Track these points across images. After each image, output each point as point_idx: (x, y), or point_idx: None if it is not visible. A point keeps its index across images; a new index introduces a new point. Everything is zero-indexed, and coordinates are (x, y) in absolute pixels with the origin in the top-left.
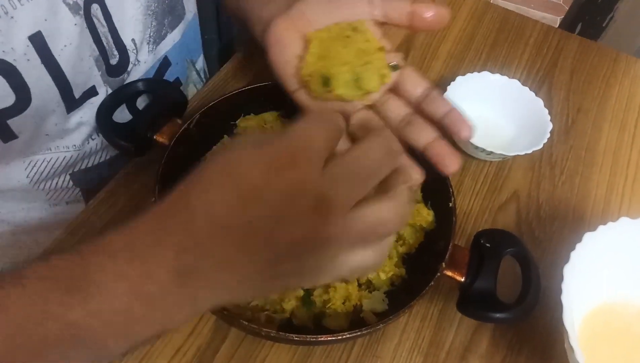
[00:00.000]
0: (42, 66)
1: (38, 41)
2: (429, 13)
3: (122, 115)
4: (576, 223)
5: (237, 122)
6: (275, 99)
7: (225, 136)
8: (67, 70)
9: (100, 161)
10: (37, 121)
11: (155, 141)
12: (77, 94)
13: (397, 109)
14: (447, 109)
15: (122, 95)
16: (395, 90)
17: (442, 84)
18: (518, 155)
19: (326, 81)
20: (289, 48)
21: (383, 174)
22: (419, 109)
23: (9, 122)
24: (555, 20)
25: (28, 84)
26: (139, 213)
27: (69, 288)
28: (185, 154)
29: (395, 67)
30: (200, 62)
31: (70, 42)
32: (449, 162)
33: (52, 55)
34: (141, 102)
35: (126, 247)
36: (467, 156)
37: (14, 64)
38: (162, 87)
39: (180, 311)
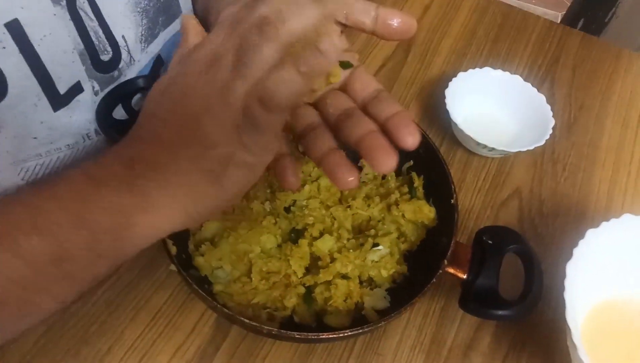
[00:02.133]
0: (20, 55)
1: (15, 29)
2: (395, 20)
3: (115, 112)
4: (578, 219)
5: None
6: None
7: None
8: (47, 61)
9: None
10: (18, 116)
11: None
12: (61, 89)
13: (339, 105)
14: (394, 111)
15: (123, 91)
16: (343, 89)
17: (443, 80)
18: (520, 151)
19: None
20: None
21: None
22: (365, 111)
23: None
24: (556, 16)
25: (4, 72)
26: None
27: (39, 183)
28: None
29: (346, 65)
30: None
31: (50, 32)
32: (383, 159)
33: (31, 45)
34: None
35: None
36: (469, 152)
37: None
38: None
39: (129, 196)
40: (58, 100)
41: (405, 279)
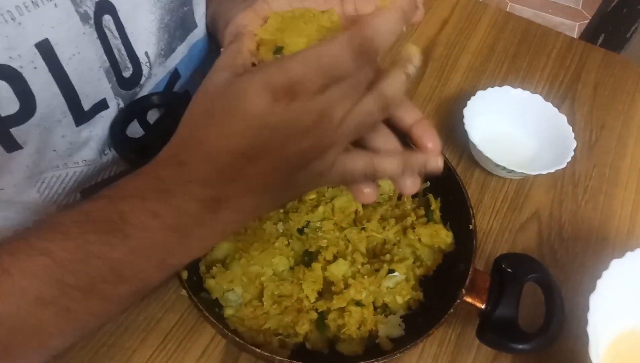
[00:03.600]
0: (49, 74)
1: (45, 49)
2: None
3: (130, 129)
4: (600, 244)
5: None
6: None
7: None
8: (75, 79)
9: (111, 175)
10: (42, 132)
11: None
12: (85, 105)
13: None
14: (417, 118)
15: (136, 109)
16: None
17: (461, 98)
18: (543, 174)
19: (278, 50)
20: (246, 39)
21: (364, 78)
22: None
23: (13, 130)
24: (573, 26)
25: (33, 92)
26: (143, 166)
27: (107, 230)
28: None
29: None
30: None
31: (78, 51)
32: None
33: (60, 64)
34: (150, 116)
35: (151, 188)
36: (487, 173)
37: (20, 70)
38: (176, 101)
39: (213, 236)
40: (81, 116)
41: (421, 306)
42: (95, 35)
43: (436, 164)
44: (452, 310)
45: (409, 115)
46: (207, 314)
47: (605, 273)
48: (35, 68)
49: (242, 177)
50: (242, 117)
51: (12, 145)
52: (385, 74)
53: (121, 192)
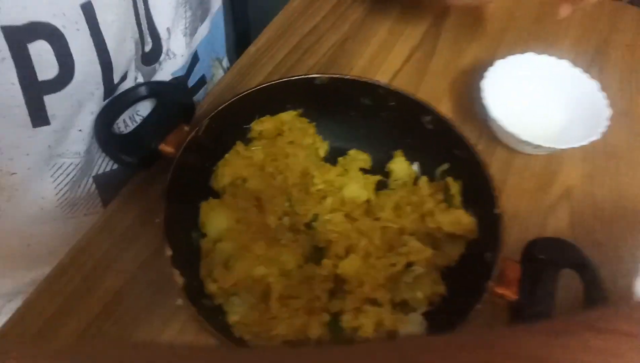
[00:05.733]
0: (90, 39)
1: (89, 11)
2: None
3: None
4: None
5: (250, 125)
6: (293, 97)
7: (238, 142)
8: (112, 48)
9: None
10: (74, 105)
11: (161, 152)
12: (116, 77)
13: None
14: None
15: (122, 102)
16: None
17: (478, 70)
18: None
19: None
20: None
21: None
22: None
23: (46, 98)
24: None
25: (73, 55)
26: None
27: None
28: (195, 162)
29: None
30: (227, 60)
31: (118, 17)
32: None
33: (100, 29)
34: (143, 109)
35: None
36: (510, 150)
37: (62, 30)
38: (167, 91)
39: None
40: (110, 89)
41: (444, 301)
42: (131, 2)
43: None
44: (479, 305)
45: None
46: (209, 326)
47: None
48: (78, 30)
49: None
50: None
51: (41, 118)
52: None
53: None
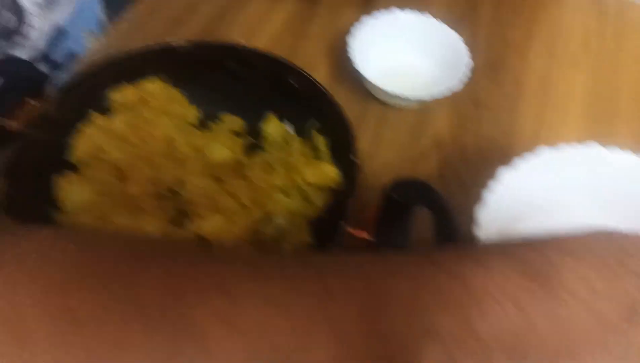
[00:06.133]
0: None
1: None
2: None
3: None
4: (506, 162)
5: (107, 95)
6: (153, 65)
7: (93, 113)
8: None
9: None
10: None
11: (5, 128)
12: None
13: None
14: None
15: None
16: None
17: (343, 28)
18: (439, 98)
19: None
20: None
21: None
22: None
23: None
24: None
25: None
26: None
27: None
28: (47, 137)
29: None
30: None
31: None
32: None
33: None
34: None
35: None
36: (385, 106)
37: None
38: (10, 66)
39: None
40: None
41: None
42: None
43: None
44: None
45: None
46: None
47: (491, 183)
48: None
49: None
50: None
51: None
52: None
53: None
